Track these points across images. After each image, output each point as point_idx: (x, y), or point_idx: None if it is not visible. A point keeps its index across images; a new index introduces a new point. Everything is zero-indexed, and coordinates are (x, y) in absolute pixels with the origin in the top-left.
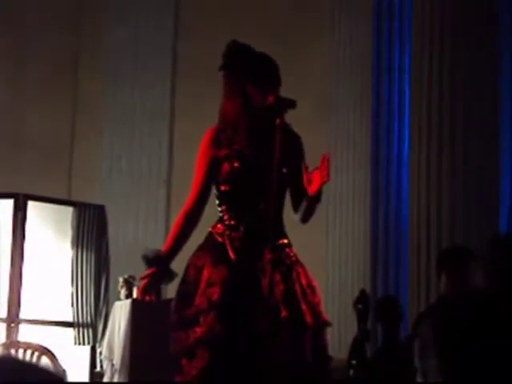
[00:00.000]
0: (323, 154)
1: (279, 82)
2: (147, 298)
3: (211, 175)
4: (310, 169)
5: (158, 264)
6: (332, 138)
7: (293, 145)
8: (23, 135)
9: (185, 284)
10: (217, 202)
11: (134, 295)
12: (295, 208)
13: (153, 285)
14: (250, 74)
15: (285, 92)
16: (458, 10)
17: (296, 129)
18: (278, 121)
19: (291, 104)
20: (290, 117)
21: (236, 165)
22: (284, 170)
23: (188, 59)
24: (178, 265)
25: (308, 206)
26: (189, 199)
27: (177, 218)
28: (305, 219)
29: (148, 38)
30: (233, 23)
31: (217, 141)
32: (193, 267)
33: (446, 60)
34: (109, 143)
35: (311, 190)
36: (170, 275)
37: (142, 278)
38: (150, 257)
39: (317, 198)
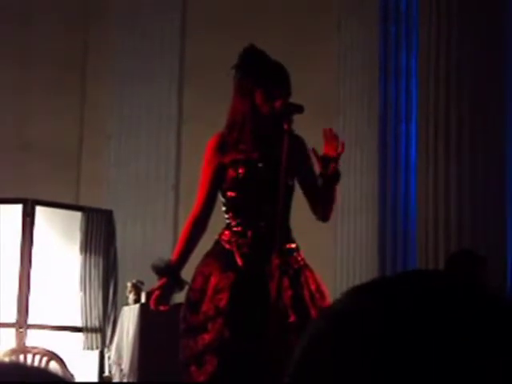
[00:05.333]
0: (324, 129)
1: (289, 92)
2: (161, 308)
3: (217, 182)
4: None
5: (169, 274)
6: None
7: (299, 149)
8: (31, 141)
9: (193, 291)
10: (223, 208)
11: (143, 300)
12: (314, 209)
13: (165, 295)
14: (260, 80)
15: (292, 94)
16: (465, 13)
17: (302, 132)
18: (285, 126)
19: (298, 109)
20: (297, 120)
21: (241, 171)
22: (290, 176)
23: (196, 61)
24: (186, 272)
25: (327, 190)
26: (195, 207)
27: (184, 226)
28: (326, 211)
29: (155, 40)
30: (240, 26)
31: (222, 147)
32: (200, 274)
33: (453, 63)
34: (116, 147)
35: (330, 170)
36: (181, 284)
37: (154, 290)
38: (160, 267)
39: (336, 177)
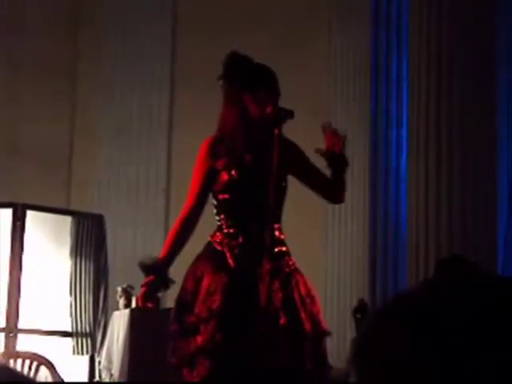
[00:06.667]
0: (323, 125)
1: (278, 93)
2: (148, 305)
3: (207, 185)
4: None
5: (156, 272)
6: None
7: (292, 153)
8: (22, 145)
9: (184, 293)
10: (214, 211)
11: (133, 305)
12: (327, 197)
13: (152, 292)
14: (247, 85)
15: (283, 100)
16: (455, 18)
17: (294, 137)
18: (276, 131)
19: (289, 114)
20: (289, 125)
21: (234, 173)
22: (282, 178)
23: (186, 68)
24: (178, 273)
25: (336, 177)
26: (184, 207)
27: (173, 225)
28: (339, 196)
29: (146, 46)
30: (231, 31)
31: (213, 152)
32: (192, 276)
33: (444, 68)
34: (107, 152)
35: (336, 148)
36: (167, 283)
37: (142, 286)
38: (147, 264)
39: (345, 163)
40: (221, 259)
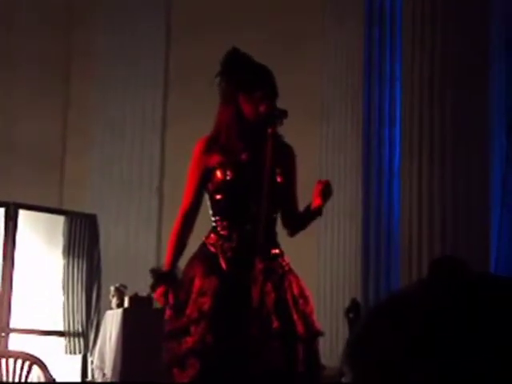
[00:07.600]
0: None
1: (275, 94)
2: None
3: (203, 183)
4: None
5: (168, 281)
6: (323, 145)
7: (285, 156)
8: (14, 143)
9: (178, 294)
10: (210, 212)
11: (126, 304)
12: (284, 223)
13: (175, 298)
14: (243, 86)
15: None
16: (449, 17)
17: (287, 135)
18: (269, 130)
19: (282, 114)
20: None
21: (229, 173)
22: (278, 179)
23: (180, 66)
24: None
25: (306, 217)
26: (184, 203)
27: (173, 227)
28: (295, 231)
29: (140, 44)
30: (225, 31)
31: (208, 150)
32: (185, 276)
33: (437, 67)
34: (100, 151)
35: (316, 202)
36: (178, 287)
37: (158, 296)
38: (159, 274)
39: (319, 212)
40: (214, 262)
